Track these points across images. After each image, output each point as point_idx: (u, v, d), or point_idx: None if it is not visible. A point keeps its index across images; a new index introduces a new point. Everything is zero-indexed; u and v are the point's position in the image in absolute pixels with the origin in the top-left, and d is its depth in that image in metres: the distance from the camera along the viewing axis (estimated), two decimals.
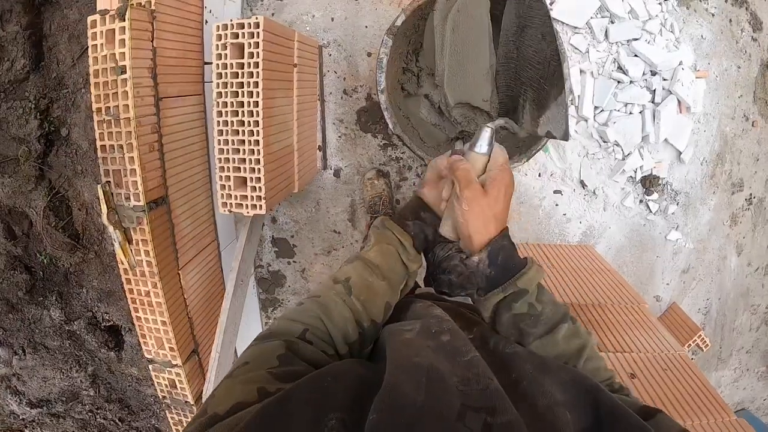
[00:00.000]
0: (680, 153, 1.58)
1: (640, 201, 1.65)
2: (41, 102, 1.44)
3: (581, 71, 1.46)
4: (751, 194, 1.75)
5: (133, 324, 1.77)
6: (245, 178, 1.07)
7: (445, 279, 0.58)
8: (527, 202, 1.61)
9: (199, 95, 1.23)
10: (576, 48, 1.44)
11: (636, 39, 1.42)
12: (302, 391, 0.34)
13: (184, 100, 1.15)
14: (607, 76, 1.46)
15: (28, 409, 1.71)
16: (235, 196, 1.08)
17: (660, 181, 1.61)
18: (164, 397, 1.26)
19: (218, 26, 1.05)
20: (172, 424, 1.30)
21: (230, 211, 1.09)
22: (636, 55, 1.44)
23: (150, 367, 1.22)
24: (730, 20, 1.52)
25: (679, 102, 1.49)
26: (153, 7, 1.01)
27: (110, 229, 1.02)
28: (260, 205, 1.07)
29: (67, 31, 1.39)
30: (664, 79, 1.47)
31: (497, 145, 0.57)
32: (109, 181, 0.99)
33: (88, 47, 1.27)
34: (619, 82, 1.46)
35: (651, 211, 1.65)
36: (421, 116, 1.33)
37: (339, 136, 1.56)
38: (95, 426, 1.79)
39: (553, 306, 0.53)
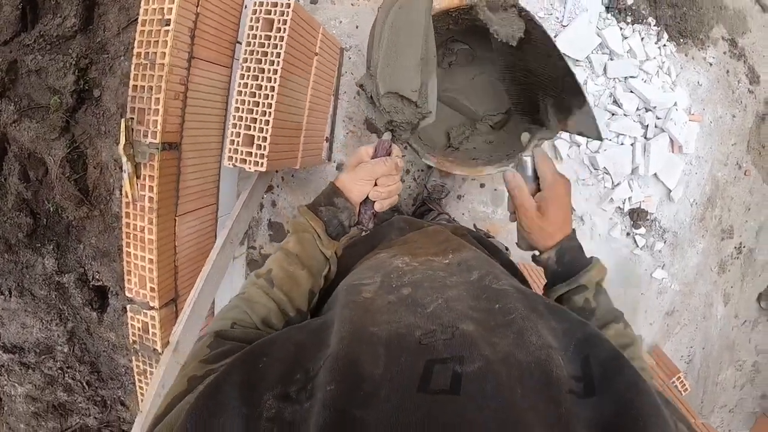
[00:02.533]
0: (670, 191, 1.64)
1: (627, 234, 1.69)
2: (81, 61, 1.57)
3: None
4: (741, 243, 1.78)
5: (122, 288, 1.81)
6: (253, 136, 1.16)
7: None
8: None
9: (228, 68, 1.35)
10: None
11: (633, 77, 1.53)
12: (233, 376, 0.33)
13: (213, 66, 1.27)
14: (603, 107, 1.56)
15: (1, 353, 1.70)
16: (241, 152, 1.17)
17: (648, 216, 1.66)
18: (134, 342, 1.27)
19: (255, 2, 1.19)
20: (136, 374, 1.30)
21: (234, 165, 1.17)
22: (632, 91, 1.54)
23: (128, 308, 1.25)
24: (728, 71, 1.62)
25: (671, 141, 1.58)
26: None
27: (123, 159, 1.10)
28: (262, 163, 1.15)
29: (119, 3, 1.55)
30: (658, 118, 1.56)
31: (543, 158, 0.64)
32: (133, 117, 1.09)
33: (135, 20, 1.41)
34: (613, 114, 1.56)
35: (638, 246, 1.69)
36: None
37: (347, 133, 1.66)
38: (62, 384, 1.77)
39: (607, 307, 0.58)
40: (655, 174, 1.61)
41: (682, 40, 1.57)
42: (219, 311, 0.53)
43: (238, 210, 1.34)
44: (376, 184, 0.63)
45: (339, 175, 0.64)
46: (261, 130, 1.15)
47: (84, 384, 1.79)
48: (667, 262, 1.73)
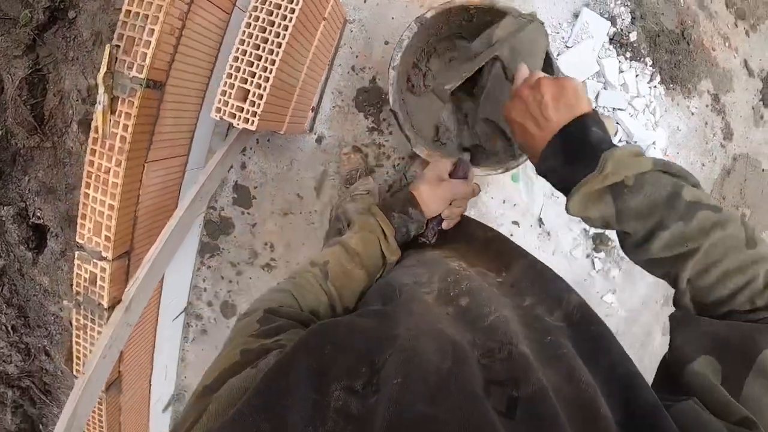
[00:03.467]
0: None
1: (587, 255, 1.76)
2: None
3: None
4: None
5: (62, 229, 1.66)
6: (248, 91, 1.09)
7: None
8: (488, 222, 1.68)
9: (228, 14, 1.27)
10: None
11: (621, 109, 1.59)
12: (300, 359, 0.33)
13: (214, 9, 1.18)
14: None
15: None
16: (232, 105, 1.09)
17: (609, 242, 1.74)
18: (78, 293, 1.17)
19: None
20: (75, 328, 1.20)
21: (221, 118, 1.09)
22: (617, 123, 1.60)
23: (76, 254, 1.15)
24: (706, 123, 1.72)
25: None
26: None
27: (101, 90, 1.00)
28: (253, 121, 1.08)
29: None
30: None
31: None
32: (119, 46, 0.99)
33: None
34: None
35: (594, 268, 1.76)
36: (441, 117, 1.42)
37: (333, 106, 1.61)
38: None
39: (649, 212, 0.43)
40: None
41: (671, 85, 1.64)
42: (265, 291, 0.50)
43: (213, 166, 1.26)
44: (450, 204, 0.64)
45: (416, 184, 0.64)
46: (258, 86, 1.08)
47: (9, 328, 1.63)
48: (618, 288, 1.82)
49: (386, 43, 1.58)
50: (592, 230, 1.72)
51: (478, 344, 0.36)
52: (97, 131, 1.03)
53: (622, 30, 1.56)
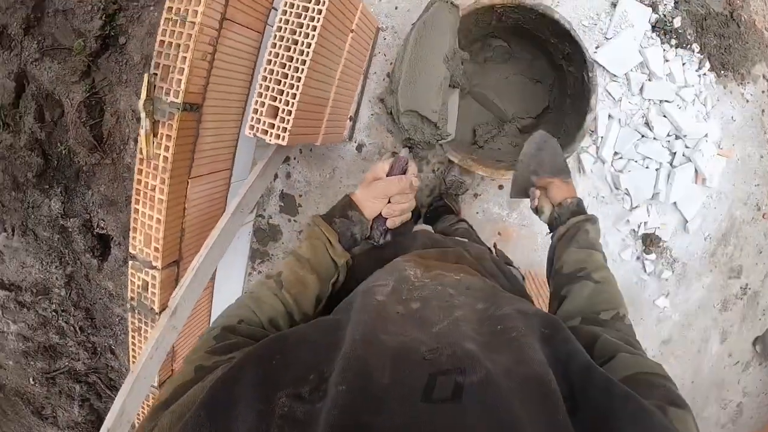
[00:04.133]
0: (687, 221, 1.61)
1: (637, 257, 1.67)
2: (110, 6, 1.54)
3: (610, 116, 1.52)
4: (747, 284, 1.76)
5: (125, 239, 1.80)
6: (278, 108, 1.13)
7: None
8: (529, 227, 1.64)
9: (259, 33, 1.32)
10: (610, 94, 1.52)
11: (669, 101, 1.49)
12: (248, 371, 0.34)
13: (245, 30, 1.23)
14: (634, 127, 1.52)
15: None
16: (264, 122, 1.14)
17: (661, 243, 1.64)
18: (132, 299, 1.27)
19: None
20: (131, 330, 1.30)
21: (254, 135, 1.15)
22: (665, 116, 1.50)
23: (129, 263, 1.24)
24: (763, 110, 1.57)
25: (696, 172, 1.55)
26: None
27: (142, 116, 1.08)
28: (284, 137, 1.13)
29: None
30: (687, 146, 1.53)
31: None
32: (156, 74, 1.06)
33: None
34: (643, 135, 1.52)
35: (645, 271, 1.67)
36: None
37: (371, 114, 1.63)
38: (54, 327, 1.78)
39: (598, 254, 0.70)
40: (675, 203, 1.58)
41: (722, 72, 1.52)
42: (225, 308, 0.53)
43: (253, 179, 1.32)
44: (390, 202, 0.65)
45: (357, 189, 0.67)
46: (287, 103, 1.12)
47: (77, 329, 1.81)
48: (671, 291, 1.71)
49: None
50: (641, 231, 1.63)
51: (425, 342, 0.37)
52: (141, 152, 1.11)
53: (664, 16, 1.46)
